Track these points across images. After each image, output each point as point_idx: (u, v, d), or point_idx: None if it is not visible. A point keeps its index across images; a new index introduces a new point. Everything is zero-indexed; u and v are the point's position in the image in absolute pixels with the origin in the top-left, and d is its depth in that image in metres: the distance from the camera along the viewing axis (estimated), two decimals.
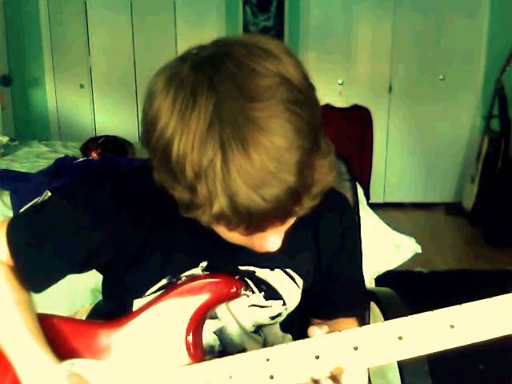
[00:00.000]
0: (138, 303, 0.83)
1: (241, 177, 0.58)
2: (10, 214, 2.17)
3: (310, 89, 0.64)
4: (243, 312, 0.86)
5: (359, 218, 1.30)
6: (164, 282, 0.83)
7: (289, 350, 0.69)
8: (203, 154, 0.59)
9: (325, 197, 0.92)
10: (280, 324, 0.90)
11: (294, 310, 0.89)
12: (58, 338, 0.82)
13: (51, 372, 0.78)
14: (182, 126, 0.60)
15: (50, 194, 0.92)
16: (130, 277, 0.83)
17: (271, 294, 0.86)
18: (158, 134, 0.62)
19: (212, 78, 0.60)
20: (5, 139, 3.63)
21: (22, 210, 0.91)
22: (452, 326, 0.62)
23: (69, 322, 0.86)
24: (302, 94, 0.62)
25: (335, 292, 0.92)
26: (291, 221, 0.68)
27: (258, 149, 0.58)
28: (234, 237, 0.69)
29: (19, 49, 4.50)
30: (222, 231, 0.69)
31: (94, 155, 2.71)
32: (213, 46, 0.65)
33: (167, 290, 0.81)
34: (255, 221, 0.61)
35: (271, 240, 0.68)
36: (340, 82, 4.43)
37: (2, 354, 0.80)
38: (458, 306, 0.63)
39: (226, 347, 0.86)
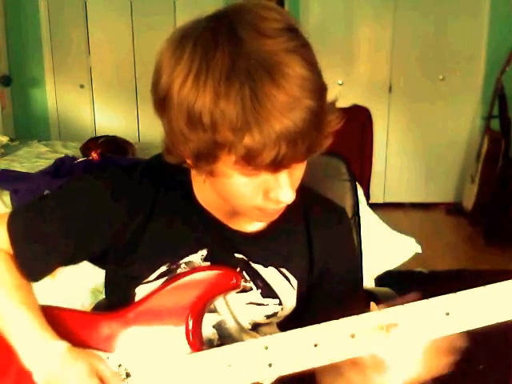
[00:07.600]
0: (139, 291, 0.84)
1: (271, 102, 0.62)
2: None
3: (310, 45, 0.71)
4: (241, 308, 0.86)
5: (359, 218, 1.30)
6: (163, 268, 0.84)
7: (287, 338, 0.69)
8: (230, 87, 0.62)
9: (322, 205, 0.93)
10: (277, 324, 0.90)
11: (290, 313, 0.89)
12: (61, 329, 0.82)
13: (50, 347, 0.78)
14: (206, 68, 0.63)
15: None
16: (130, 264, 0.85)
17: (268, 291, 0.86)
18: (181, 83, 0.64)
19: (230, 25, 0.65)
20: (5, 139, 3.63)
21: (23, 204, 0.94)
22: (447, 314, 0.63)
23: (70, 313, 0.87)
24: (305, 42, 0.70)
25: (330, 302, 0.90)
26: (304, 165, 0.73)
27: (284, 76, 0.63)
28: (249, 190, 0.71)
29: (19, 49, 4.50)
30: (242, 182, 0.69)
31: (94, 155, 2.71)
32: (218, 11, 0.70)
33: (168, 279, 0.83)
34: (283, 151, 0.64)
35: (286, 191, 0.71)
36: (340, 82, 4.43)
37: (5, 343, 0.80)
38: (453, 293, 0.63)
39: (225, 341, 0.86)
